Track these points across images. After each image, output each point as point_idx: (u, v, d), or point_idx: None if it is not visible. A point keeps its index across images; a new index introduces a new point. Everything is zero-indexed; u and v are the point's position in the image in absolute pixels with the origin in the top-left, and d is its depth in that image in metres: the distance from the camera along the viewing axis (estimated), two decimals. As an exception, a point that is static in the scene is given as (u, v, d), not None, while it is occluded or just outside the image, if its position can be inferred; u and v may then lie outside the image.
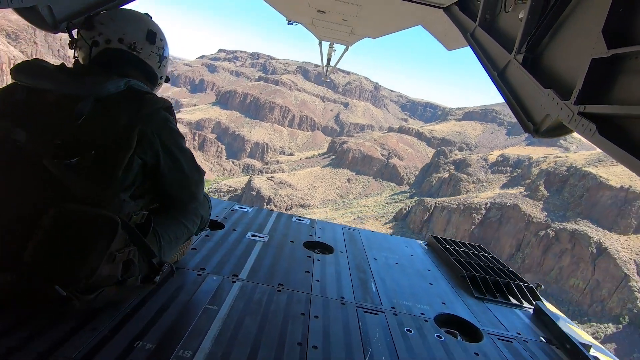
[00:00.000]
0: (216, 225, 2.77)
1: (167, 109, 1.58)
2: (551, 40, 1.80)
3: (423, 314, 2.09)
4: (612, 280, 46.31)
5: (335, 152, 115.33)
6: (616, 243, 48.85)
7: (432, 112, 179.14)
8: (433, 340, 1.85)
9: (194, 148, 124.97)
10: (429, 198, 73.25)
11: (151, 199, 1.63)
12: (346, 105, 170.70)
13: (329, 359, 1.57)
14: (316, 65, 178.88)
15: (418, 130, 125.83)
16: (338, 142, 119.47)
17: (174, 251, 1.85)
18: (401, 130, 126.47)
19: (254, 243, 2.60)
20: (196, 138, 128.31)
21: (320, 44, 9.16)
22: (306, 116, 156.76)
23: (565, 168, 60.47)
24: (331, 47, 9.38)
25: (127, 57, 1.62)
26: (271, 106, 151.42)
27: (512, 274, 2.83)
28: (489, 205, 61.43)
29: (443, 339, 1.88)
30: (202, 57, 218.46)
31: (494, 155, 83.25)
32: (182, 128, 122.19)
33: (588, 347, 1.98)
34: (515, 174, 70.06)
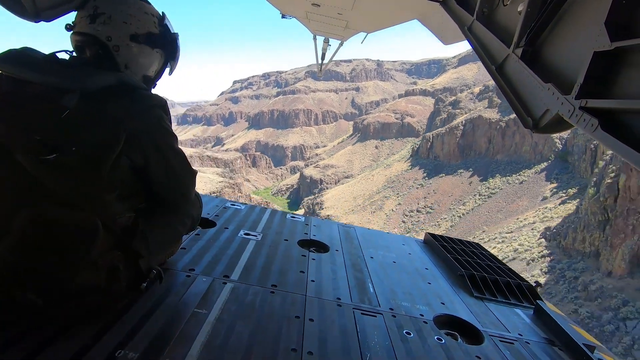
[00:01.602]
0: (207, 224, 2.58)
1: (161, 107, 1.46)
2: (551, 34, 1.68)
3: (422, 315, 1.97)
4: (543, 137, 66.81)
5: (359, 131, 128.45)
6: (544, 115, 69.33)
7: (437, 68, 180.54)
8: (433, 343, 1.74)
9: (248, 166, 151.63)
10: (427, 133, 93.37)
11: (140, 200, 1.49)
12: (357, 89, 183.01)
13: None
14: (320, 64, 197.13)
15: (421, 88, 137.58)
16: (359, 122, 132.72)
17: (163, 254, 1.75)
18: (407, 93, 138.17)
19: (247, 242, 2.44)
20: (248, 158, 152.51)
21: (314, 39, 8.63)
22: (327, 111, 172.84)
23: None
24: (326, 42, 8.83)
25: (92, 41, 1.44)
26: (295, 113, 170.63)
27: (511, 273, 2.70)
28: (464, 122, 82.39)
29: (443, 341, 1.76)
30: (222, 93, 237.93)
31: (477, 88, 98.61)
32: (233, 155, 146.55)
33: (592, 348, 1.88)
34: (494, 96, 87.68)
